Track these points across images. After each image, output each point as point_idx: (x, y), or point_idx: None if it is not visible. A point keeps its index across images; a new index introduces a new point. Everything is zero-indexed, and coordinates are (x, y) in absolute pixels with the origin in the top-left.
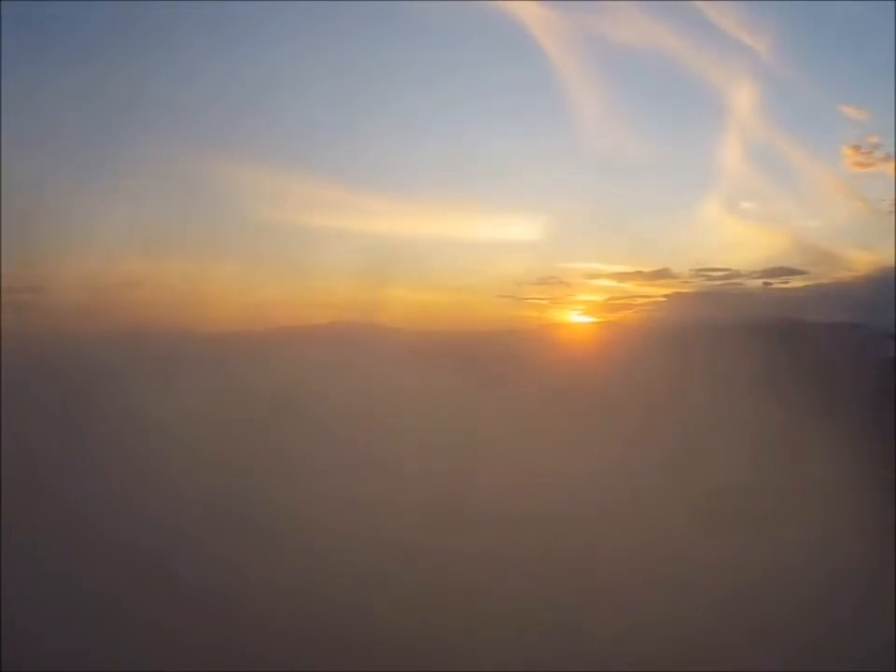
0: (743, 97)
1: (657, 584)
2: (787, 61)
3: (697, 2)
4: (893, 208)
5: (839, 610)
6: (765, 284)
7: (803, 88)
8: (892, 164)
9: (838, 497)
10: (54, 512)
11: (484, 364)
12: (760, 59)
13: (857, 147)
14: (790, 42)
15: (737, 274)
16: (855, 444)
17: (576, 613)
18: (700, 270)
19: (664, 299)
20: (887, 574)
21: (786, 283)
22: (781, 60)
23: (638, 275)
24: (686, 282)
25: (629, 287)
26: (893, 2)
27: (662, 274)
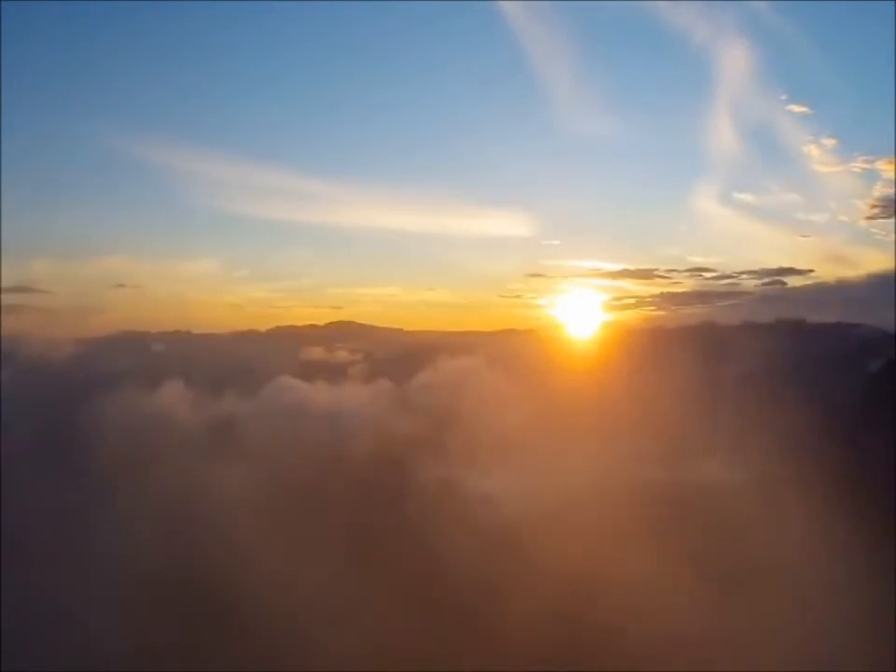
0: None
1: None
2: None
3: None
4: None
5: None
6: (763, 284)
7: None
8: (859, 165)
9: (837, 494)
10: (52, 511)
11: (489, 363)
12: (757, 21)
13: (819, 147)
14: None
15: (736, 274)
16: (854, 443)
17: None
18: (697, 269)
19: (660, 298)
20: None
21: (783, 284)
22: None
23: (634, 274)
24: (680, 281)
25: (625, 285)
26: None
27: (657, 274)
